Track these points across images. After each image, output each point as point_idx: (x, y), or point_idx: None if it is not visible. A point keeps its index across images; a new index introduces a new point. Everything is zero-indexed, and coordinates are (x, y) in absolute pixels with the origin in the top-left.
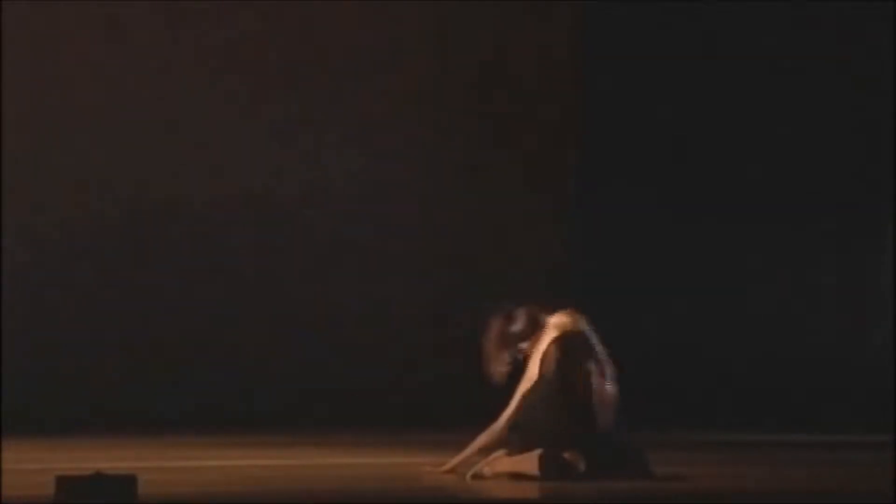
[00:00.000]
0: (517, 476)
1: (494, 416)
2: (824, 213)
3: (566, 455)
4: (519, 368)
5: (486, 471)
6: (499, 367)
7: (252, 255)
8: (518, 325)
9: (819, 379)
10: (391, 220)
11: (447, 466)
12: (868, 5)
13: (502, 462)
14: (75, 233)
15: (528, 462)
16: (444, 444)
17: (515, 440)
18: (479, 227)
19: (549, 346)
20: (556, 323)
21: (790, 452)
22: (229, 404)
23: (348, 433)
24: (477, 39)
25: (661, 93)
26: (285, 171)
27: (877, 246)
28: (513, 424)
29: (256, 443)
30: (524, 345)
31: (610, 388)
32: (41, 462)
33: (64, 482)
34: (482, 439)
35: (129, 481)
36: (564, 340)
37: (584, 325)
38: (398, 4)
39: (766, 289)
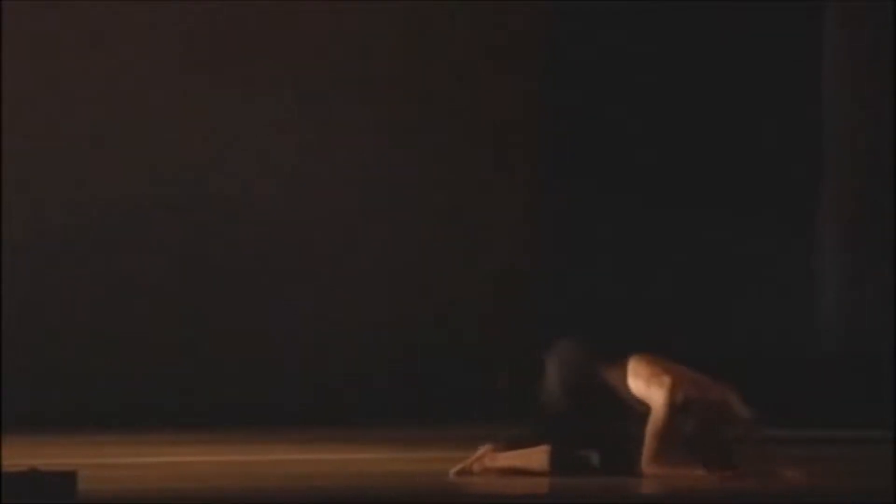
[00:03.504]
0: (520, 472)
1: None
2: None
3: (581, 450)
4: None
5: (476, 467)
6: None
7: (233, 248)
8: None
9: (815, 374)
10: (364, 212)
11: None
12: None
13: (497, 458)
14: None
15: (535, 457)
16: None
17: (513, 434)
18: (447, 216)
19: None
20: None
21: (788, 448)
22: (215, 401)
23: (319, 429)
24: (449, 32)
25: (629, 84)
26: (274, 166)
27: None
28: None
29: (223, 440)
30: None
31: None
32: None
33: None
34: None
35: (67, 478)
36: None
37: None
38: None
39: (756, 280)
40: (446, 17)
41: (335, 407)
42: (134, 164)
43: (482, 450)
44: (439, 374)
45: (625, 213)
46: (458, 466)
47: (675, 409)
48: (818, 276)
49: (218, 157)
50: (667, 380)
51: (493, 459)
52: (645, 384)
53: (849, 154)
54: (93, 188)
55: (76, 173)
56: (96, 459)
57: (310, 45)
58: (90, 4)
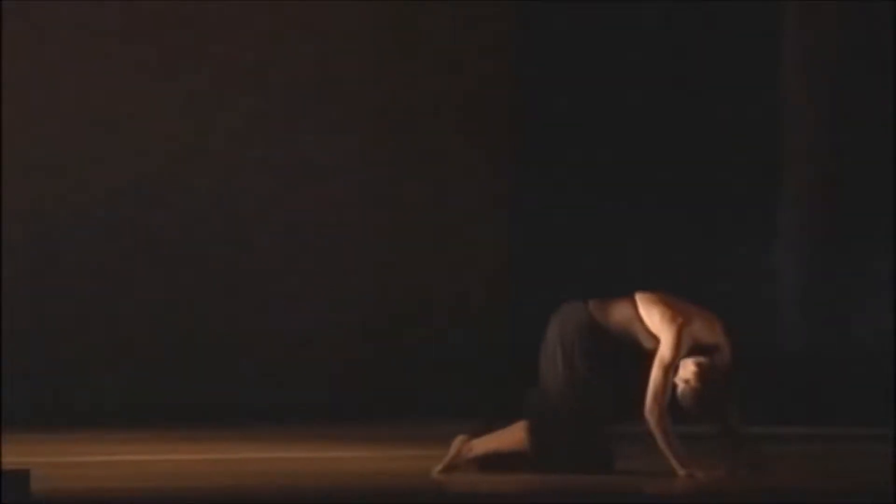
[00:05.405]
0: (501, 455)
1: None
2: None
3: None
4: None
5: (457, 461)
6: None
7: (232, 248)
8: None
9: (814, 371)
10: (344, 204)
11: None
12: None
13: (473, 446)
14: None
15: (514, 436)
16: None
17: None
18: (423, 211)
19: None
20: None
21: (788, 446)
22: (206, 398)
23: (317, 428)
24: (426, 31)
25: (604, 80)
26: (260, 162)
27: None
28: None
29: (199, 437)
30: None
31: None
32: None
33: None
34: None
35: (19, 477)
36: None
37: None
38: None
39: (744, 276)
40: (424, 16)
41: (330, 406)
42: (134, 165)
43: (456, 443)
44: (433, 373)
45: (596, 208)
46: (441, 464)
47: (682, 349)
48: (806, 273)
49: (218, 157)
50: (680, 320)
51: (470, 449)
52: (659, 318)
53: (809, 151)
54: (92, 189)
55: (76, 174)
56: (72, 458)
57: (298, 43)
58: (90, 5)
